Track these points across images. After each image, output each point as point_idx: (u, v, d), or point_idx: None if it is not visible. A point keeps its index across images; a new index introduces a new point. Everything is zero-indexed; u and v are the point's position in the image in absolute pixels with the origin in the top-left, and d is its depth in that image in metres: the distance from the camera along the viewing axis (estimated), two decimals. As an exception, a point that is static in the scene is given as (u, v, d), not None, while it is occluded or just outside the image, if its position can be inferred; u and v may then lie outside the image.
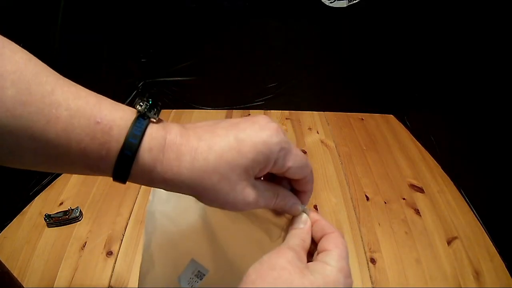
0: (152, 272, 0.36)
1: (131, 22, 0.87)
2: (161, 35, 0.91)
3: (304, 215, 0.30)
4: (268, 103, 1.06)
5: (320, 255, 0.26)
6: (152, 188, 0.30)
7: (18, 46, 0.21)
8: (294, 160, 0.25)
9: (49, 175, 0.77)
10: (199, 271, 0.36)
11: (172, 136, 0.23)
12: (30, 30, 0.63)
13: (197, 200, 0.26)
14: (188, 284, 0.37)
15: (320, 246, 0.27)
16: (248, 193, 0.25)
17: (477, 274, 0.62)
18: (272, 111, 1.06)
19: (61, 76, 0.22)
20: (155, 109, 0.23)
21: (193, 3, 0.84)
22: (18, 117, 0.19)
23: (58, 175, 0.79)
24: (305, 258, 0.26)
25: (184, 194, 0.24)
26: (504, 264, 0.64)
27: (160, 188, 0.24)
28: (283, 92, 1.03)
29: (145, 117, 0.22)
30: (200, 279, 0.37)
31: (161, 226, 0.34)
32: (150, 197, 0.34)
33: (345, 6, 0.84)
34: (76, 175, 0.79)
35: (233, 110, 1.06)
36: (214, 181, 0.23)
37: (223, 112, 1.05)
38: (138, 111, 0.22)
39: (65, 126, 0.20)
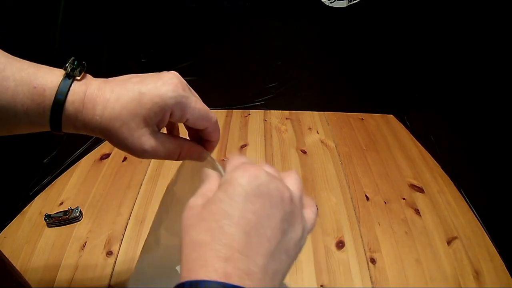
0: (154, 252, 0.37)
1: (131, 22, 0.87)
2: (161, 35, 0.91)
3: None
4: (268, 103, 1.06)
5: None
6: (178, 167, 0.35)
7: None
8: (191, 114, 0.29)
9: (49, 175, 0.77)
10: None
11: (91, 90, 0.28)
12: (30, 30, 0.63)
13: None
14: None
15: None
16: (145, 140, 0.28)
17: (477, 274, 0.62)
18: (272, 111, 1.06)
19: (11, 56, 0.27)
20: (80, 68, 0.28)
21: (193, 3, 0.84)
22: None
23: (58, 175, 0.79)
24: None
25: (99, 137, 0.29)
26: (504, 264, 0.64)
27: (84, 133, 0.29)
28: (283, 92, 1.03)
29: (70, 77, 0.28)
30: None
31: (175, 210, 0.34)
32: (174, 177, 0.36)
33: (345, 6, 0.84)
34: (76, 175, 0.79)
35: (233, 110, 1.06)
36: (116, 126, 0.27)
37: (223, 112, 1.05)
38: (65, 72, 0.28)
39: (12, 94, 0.26)
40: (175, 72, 0.29)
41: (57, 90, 0.27)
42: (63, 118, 0.27)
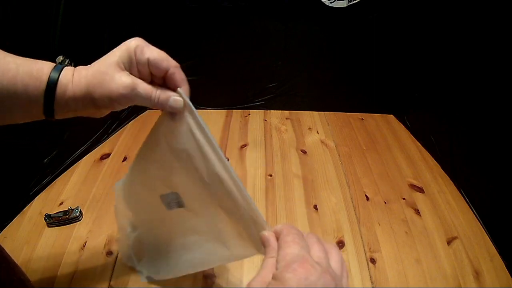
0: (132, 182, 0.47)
1: (131, 22, 0.87)
2: (161, 35, 0.91)
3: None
4: (268, 103, 1.06)
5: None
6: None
7: None
8: (150, 53, 0.34)
9: (49, 175, 0.77)
10: (179, 201, 0.44)
11: (78, 68, 0.35)
12: (30, 30, 0.63)
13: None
14: (168, 206, 0.45)
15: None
16: (125, 79, 0.33)
17: (477, 274, 0.62)
18: (272, 111, 1.06)
19: (7, 52, 0.33)
20: (68, 60, 0.37)
21: (193, 3, 0.84)
22: None
23: (58, 175, 0.79)
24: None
25: (86, 99, 0.34)
26: (504, 264, 0.64)
27: (73, 108, 0.35)
28: (283, 92, 1.03)
29: (63, 63, 0.35)
30: (178, 207, 0.44)
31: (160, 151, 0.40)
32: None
33: (345, 6, 0.84)
34: (76, 175, 0.79)
35: (233, 110, 1.06)
36: (99, 78, 0.33)
37: (223, 112, 1.05)
38: (58, 62, 0.35)
39: (14, 74, 0.32)
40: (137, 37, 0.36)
41: (53, 67, 0.34)
42: (57, 90, 0.33)
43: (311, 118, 1.04)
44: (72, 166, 0.82)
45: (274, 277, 0.28)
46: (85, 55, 0.77)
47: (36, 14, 0.64)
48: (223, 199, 0.38)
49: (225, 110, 1.06)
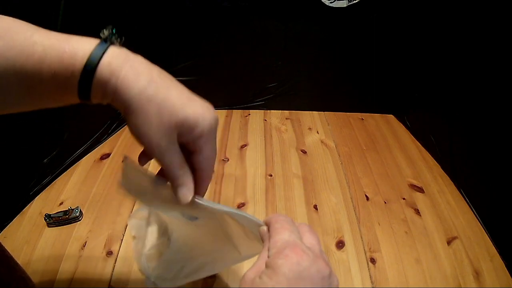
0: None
1: (130, 22, 0.86)
2: (161, 35, 0.91)
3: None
4: (268, 103, 1.06)
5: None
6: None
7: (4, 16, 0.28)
8: (209, 148, 0.31)
9: (49, 175, 0.77)
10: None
11: (132, 58, 0.27)
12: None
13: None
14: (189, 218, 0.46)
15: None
16: (166, 137, 0.28)
17: (477, 274, 0.62)
18: (272, 111, 1.06)
19: (40, 27, 0.27)
20: (118, 37, 0.28)
21: (192, 3, 0.84)
22: (5, 58, 0.25)
23: (58, 175, 0.79)
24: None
25: (117, 108, 0.28)
26: (504, 264, 0.64)
27: (105, 103, 0.28)
28: (283, 92, 1.03)
29: (107, 41, 0.27)
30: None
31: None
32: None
33: (345, 6, 0.84)
34: (76, 175, 0.79)
35: (233, 110, 1.06)
36: (152, 110, 0.27)
37: (223, 112, 1.05)
38: (101, 38, 0.27)
39: (39, 58, 0.26)
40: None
41: (91, 52, 0.26)
42: (94, 80, 0.26)
43: (311, 118, 1.04)
44: (72, 166, 0.82)
45: (266, 265, 0.28)
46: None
47: (36, 14, 0.64)
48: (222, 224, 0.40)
49: (225, 110, 1.06)
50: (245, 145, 0.92)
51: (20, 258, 0.61)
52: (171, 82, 0.29)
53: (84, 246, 0.64)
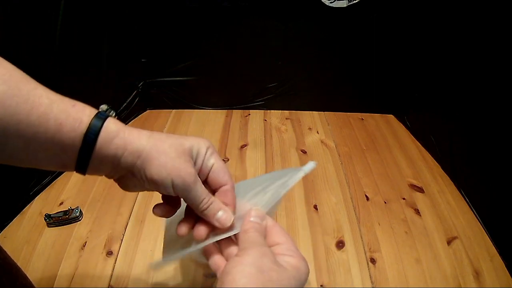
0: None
1: (131, 22, 0.87)
2: (161, 35, 0.91)
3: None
4: (268, 103, 1.06)
5: (276, 248, 0.32)
6: None
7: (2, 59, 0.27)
8: (216, 159, 0.33)
9: (49, 175, 0.77)
10: None
11: (129, 128, 0.30)
12: (30, 30, 0.63)
13: None
14: None
15: (270, 240, 0.33)
16: (191, 169, 0.31)
17: (477, 274, 0.62)
18: (272, 111, 1.06)
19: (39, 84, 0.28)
20: (114, 113, 0.31)
21: (193, 3, 0.84)
22: (7, 107, 0.24)
23: (58, 175, 0.79)
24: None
25: (134, 162, 0.29)
26: (504, 264, 0.64)
27: (115, 160, 0.29)
28: (283, 92, 1.03)
29: (107, 113, 0.30)
30: None
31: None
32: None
33: (345, 6, 0.84)
34: (76, 175, 0.79)
35: (233, 110, 1.06)
36: (165, 146, 0.30)
37: (223, 112, 1.05)
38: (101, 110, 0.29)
39: (45, 110, 0.26)
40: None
41: (98, 111, 0.29)
42: (102, 133, 0.28)
43: (311, 118, 1.04)
44: (72, 166, 0.82)
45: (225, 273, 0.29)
46: (85, 55, 0.77)
47: (36, 14, 0.64)
48: None
49: (225, 110, 1.06)
50: (245, 145, 0.92)
51: (20, 258, 0.61)
52: (161, 135, 0.32)
53: (84, 246, 0.64)
